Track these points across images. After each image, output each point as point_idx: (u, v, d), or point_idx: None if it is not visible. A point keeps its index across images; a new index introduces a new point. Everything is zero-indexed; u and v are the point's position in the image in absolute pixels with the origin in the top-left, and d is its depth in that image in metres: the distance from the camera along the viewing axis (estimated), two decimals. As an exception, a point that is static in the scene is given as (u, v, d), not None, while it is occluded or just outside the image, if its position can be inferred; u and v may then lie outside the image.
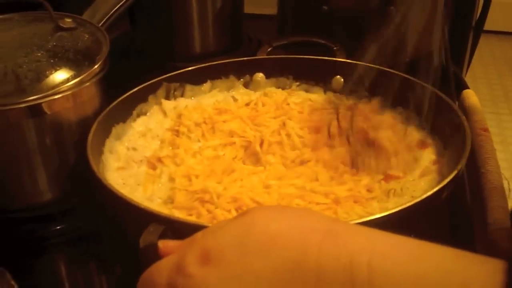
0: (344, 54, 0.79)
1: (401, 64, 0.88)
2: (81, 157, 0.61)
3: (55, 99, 0.63)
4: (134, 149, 0.69)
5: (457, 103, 0.80)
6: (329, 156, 0.64)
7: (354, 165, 0.63)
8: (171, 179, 0.63)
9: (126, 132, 0.71)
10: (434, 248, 0.35)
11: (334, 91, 0.78)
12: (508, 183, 0.68)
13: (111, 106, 0.69)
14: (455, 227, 0.67)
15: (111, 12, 0.79)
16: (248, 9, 1.06)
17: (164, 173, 0.64)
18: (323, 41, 0.78)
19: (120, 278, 0.64)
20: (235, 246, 0.36)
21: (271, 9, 1.04)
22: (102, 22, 0.77)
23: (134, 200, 0.54)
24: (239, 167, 0.64)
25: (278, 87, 0.80)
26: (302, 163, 0.64)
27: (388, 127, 0.67)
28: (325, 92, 0.79)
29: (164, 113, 0.75)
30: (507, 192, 0.65)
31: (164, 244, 0.43)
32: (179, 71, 0.77)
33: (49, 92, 0.63)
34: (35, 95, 0.62)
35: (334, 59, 0.77)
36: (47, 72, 0.64)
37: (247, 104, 0.76)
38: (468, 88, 0.84)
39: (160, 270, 0.39)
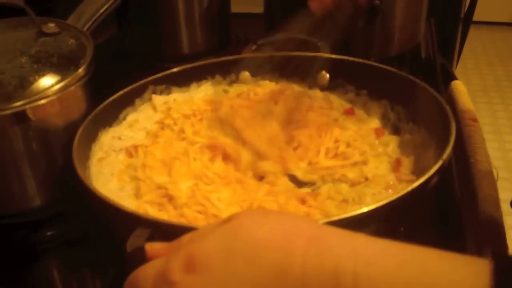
0: (328, 50, 0.79)
1: (387, 57, 0.89)
2: (69, 162, 0.61)
3: (40, 104, 0.63)
4: (119, 138, 0.70)
5: (445, 94, 0.81)
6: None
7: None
8: (135, 169, 0.65)
9: (112, 124, 0.72)
10: (419, 251, 0.35)
11: (321, 87, 0.78)
12: (497, 172, 0.68)
13: (96, 110, 0.69)
14: (444, 218, 0.67)
15: (96, 16, 0.79)
16: (236, 8, 1.06)
17: (136, 163, 0.66)
18: (307, 38, 0.78)
19: (113, 281, 0.63)
20: (220, 252, 0.36)
21: (258, 8, 1.04)
22: (87, 26, 0.77)
23: (120, 204, 0.54)
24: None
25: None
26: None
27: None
28: (310, 87, 0.79)
29: (154, 108, 0.75)
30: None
31: (151, 247, 0.43)
32: (164, 73, 0.77)
33: (34, 98, 0.63)
34: (19, 102, 0.62)
35: (319, 54, 0.77)
36: (31, 78, 0.64)
37: (239, 95, 0.77)
38: (456, 79, 0.84)
39: (145, 275, 0.39)
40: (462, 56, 1.42)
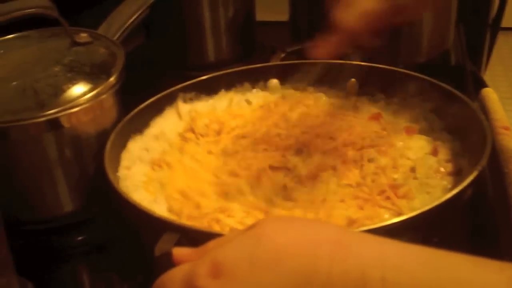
0: (358, 57, 0.79)
1: (417, 64, 0.88)
2: (100, 168, 0.62)
3: (73, 112, 0.64)
4: (146, 149, 0.70)
5: (476, 102, 0.80)
6: None
7: None
8: (162, 185, 0.65)
9: (142, 133, 0.73)
10: (450, 257, 0.34)
11: (350, 95, 0.78)
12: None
13: (127, 118, 0.70)
14: (479, 229, 0.66)
15: (126, 26, 0.80)
16: (261, 16, 1.07)
17: (159, 177, 0.66)
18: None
19: (141, 287, 0.64)
20: (245, 259, 0.36)
21: (283, 16, 1.04)
22: (117, 35, 0.78)
23: (150, 209, 0.55)
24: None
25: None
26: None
27: None
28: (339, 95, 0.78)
29: (179, 116, 0.76)
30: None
31: (178, 252, 0.43)
32: (193, 80, 0.78)
33: (67, 106, 0.64)
34: (53, 109, 0.63)
35: (348, 62, 0.77)
36: (64, 86, 0.65)
37: (262, 107, 0.77)
38: (487, 86, 0.83)
39: (172, 280, 0.39)
40: (490, 62, 1.40)
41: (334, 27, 0.60)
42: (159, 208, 0.61)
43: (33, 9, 0.68)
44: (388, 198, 0.59)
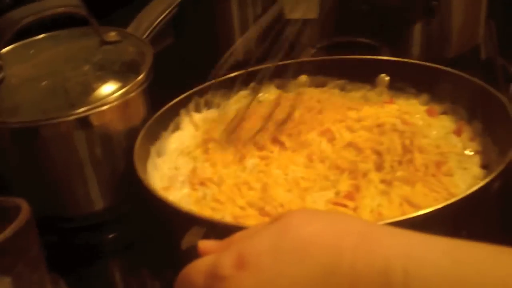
0: (388, 52, 0.78)
1: (446, 58, 0.87)
2: (130, 165, 0.63)
3: (103, 110, 0.65)
4: (176, 168, 0.68)
5: (506, 96, 0.78)
6: None
7: None
8: (216, 200, 0.62)
9: (165, 149, 0.71)
10: (472, 247, 0.34)
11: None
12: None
13: (156, 115, 0.71)
14: (508, 227, 0.64)
15: (154, 24, 0.80)
16: (288, 14, 1.07)
17: (208, 195, 0.64)
18: (366, 40, 0.77)
19: (173, 283, 0.64)
20: (270, 251, 0.36)
21: (311, 14, 1.04)
22: (146, 34, 0.78)
23: (176, 203, 0.55)
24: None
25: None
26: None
27: None
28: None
29: (196, 126, 0.75)
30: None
31: (204, 245, 0.43)
32: (222, 78, 0.78)
33: (97, 104, 0.65)
34: (83, 108, 0.64)
35: (378, 57, 0.76)
36: (94, 84, 0.66)
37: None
38: (517, 81, 0.82)
39: (197, 270, 0.39)
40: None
41: None
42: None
43: (63, 8, 0.69)
44: (434, 175, 0.60)
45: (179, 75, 1.00)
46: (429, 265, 0.33)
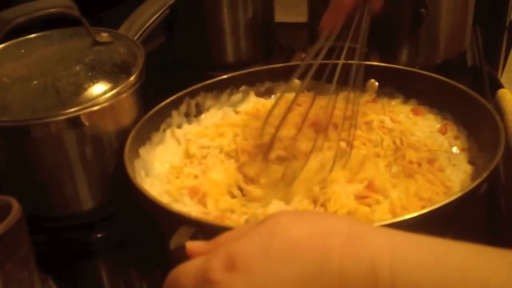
0: (377, 58, 0.79)
1: (434, 65, 0.88)
2: (120, 165, 0.63)
3: (93, 110, 0.65)
4: (168, 182, 0.68)
5: (492, 103, 0.80)
6: None
7: None
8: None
9: (152, 169, 0.70)
10: (454, 246, 0.35)
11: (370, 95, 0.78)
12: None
13: (146, 116, 0.71)
14: (494, 227, 0.66)
15: (146, 26, 0.81)
16: (279, 18, 1.08)
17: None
18: (356, 46, 0.78)
19: (160, 284, 0.65)
20: (259, 252, 0.37)
21: (302, 17, 1.05)
22: (138, 35, 0.79)
23: (165, 203, 0.55)
24: None
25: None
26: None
27: None
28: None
29: (178, 141, 0.74)
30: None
31: (192, 245, 0.43)
32: (213, 80, 0.79)
33: (88, 104, 0.65)
34: (74, 108, 0.64)
35: (368, 63, 0.77)
36: (85, 85, 0.67)
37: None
38: (503, 87, 0.83)
39: (186, 273, 0.39)
40: (507, 65, 1.40)
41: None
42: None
43: (55, 9, 0.69)
44: (429, 171, 0.62)
45: (169, 75, 1.00)
46: (414, 263, 0.34)
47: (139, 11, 0.82)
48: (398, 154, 0.66)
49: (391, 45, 0.83)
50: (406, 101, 0.76)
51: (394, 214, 0.56)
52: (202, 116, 0.78)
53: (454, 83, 0.71)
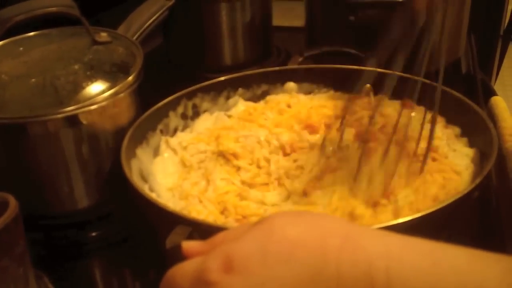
0: (374, 63, 0.79)
1: (429, 72, 0.89)
2: (116, 164, 0.63)
3: (91, 109, 0.66)
4: (174, 195, 0.67)
5: (485, 110, 0.81)
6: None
7: None
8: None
9: (156, 185, 0.68)
10: (449, 249, 0.35)
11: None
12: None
13: (143, 116, 0.71)
14: (486, 230, 0.67)
15: (145, 26, 0.82)
16: (277, 21, 1.08)
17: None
18: (353, 51, 0.79)
19: (153, 283, 0.65)
20: (257, 253, 0.37)
21: (299, 21, 1.05)
22: (136, 35, 0.80)
23: (162, 202, 0.56)
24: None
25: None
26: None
27: None
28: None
29: (174, 151, 0.74)
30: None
31: (188, 245, 0.43)
32: (210, 82, 0.79)
33: (86, 103, 0.65)
34: (72, 106, 0.65)
35: (364, 68, 0.78)
36: (84, 84, 0.67)
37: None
38: (496, 95, 0.84)
39: (182, 274, 0.39)
40: (500, 73, 1.41)
41: None
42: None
43: (55, 8, 0.70)
44: (434, 159, 0.64)
45: (167, 76, 1.01)
46: (410, 267, 0.34)
47: (138, 12, 0.83)
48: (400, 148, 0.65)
49: (387, 51, 0.83)
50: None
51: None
52: (195, 122, 0.78)
53: (448, 89, 0.72)
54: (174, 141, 0.74)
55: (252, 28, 1.00)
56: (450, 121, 0.72)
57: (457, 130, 0.71)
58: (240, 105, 0.80)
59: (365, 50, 0.80)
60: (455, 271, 0.34)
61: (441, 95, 0.72)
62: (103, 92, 0.67)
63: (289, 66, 0.83)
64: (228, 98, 0.81)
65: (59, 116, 0.64)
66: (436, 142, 0.67)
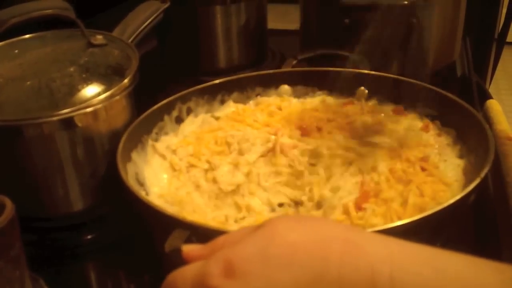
0: (368, 66, 0.80)
1: (424, 74, 0.89)
2: (112, 167, 0.63)
3: (87, 112, 0.65)
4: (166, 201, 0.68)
5: (480, 113, 0.81)
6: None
7: None
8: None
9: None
10: (452, 257, 0.35)
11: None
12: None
13: (139, 118, 0.71)
14: (481, 234, 0.67)
15: (140, 29, 0.81)
16: (272, 25, 1.09)
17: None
18: (347, 54, 0.79)
19: (149, 286, 0.65)
20: (258, 258, 0.37)
21: (294, 25, 1.06)
22: (132, 38, 0.79)
23: (159, 206, 0.56)
24: None
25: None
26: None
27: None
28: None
29: (163, 156, 0.73)
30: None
31: (188, 249, 0.43)
32: (205, 84, 0.79)
33: (81, 106, 0.65)
34: (67, 109, 0.64)
35: (358, 71, 0.78)
36: (79, 86, 0.67)
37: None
38: (491, 98, 0.84)
39: (183, 278, 0.39)
40: (495, 76, 1.41)
41: None
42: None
43: (51, 10, 0.69)
44: (424, 169, 0.64)
45: (162, 79, 1.00)
46: (412, 273, 0.34)
47: (133, 15, 0.83)
48: (394, 154, 0.66)
49: (382, 54, 0.83)
50: (382, 102, 0.78)
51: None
52: (180, 125, 0.77)
53: (444, 92, 0.72)
54: (161, 145, 0.73)
55: (247, 31, 1.00)
56: (445, 123, 0.72)
57: (450, 139, 0.70)
58: (229, 107, 0.80)
59: (359, 53, 0.80)
60: (458, 278, 0.34)
61: (437, 98, 0.73)
62: (99, 94, 0.66)
63: (283, 69, 0.83)
64: (223, 102, 0.81)
65: (55, 118, 0.64)
66: (427, 150, 0.68)
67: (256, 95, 0.82)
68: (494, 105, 0.80)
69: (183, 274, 0.40)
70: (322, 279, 0.35)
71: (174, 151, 0.72)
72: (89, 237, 0.72)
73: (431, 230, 0.54)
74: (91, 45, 0.73)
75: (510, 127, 0.75)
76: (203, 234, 0.49)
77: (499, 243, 0.64)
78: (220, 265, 0.37)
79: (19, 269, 0.51)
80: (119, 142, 0.66)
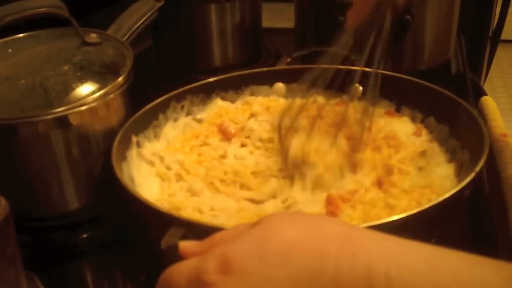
0: (362, 63, 0.80)
1: (419, 71, 0.90)
2: (107, 165, 0.63)
3: (81, 110, 0.65)
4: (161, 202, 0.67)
5: (476, 109, 0.81)
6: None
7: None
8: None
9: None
10: (450, 255, 0.35)
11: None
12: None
13: (134, 117, 0.71)
14: (477, 230, 0.67)
15: (134, 27, 0.81)
16: (267, 23, 1.09)
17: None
18: (341, 51, 0.79)
19: (145, 285, 0.65)
20: (254, 255, 0.37)
21: (289, 23, 1.06)
22: (126, 36, 0.79)
23: (155, 204, 0.56)
24: None
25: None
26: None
27: None
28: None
29: (151, 163, 0.71)
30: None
31: (184, 245, 0.43)
32: (201, 82, 0.79)
33: (75, 104, 0.65)
34: (62, 107, 0.64)
35: (353, 68, 0.78)
36: (74, 85, 0.67)
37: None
38: (486, 95, 0.85)
39: (179, 274, 0.39)
40: (490, 74, 1.42)
41: None
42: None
43: (44, 9, 0.69)
44: (421, 169, 0.64)
45: (156, 78, 1.00)
46: (409, 271, 0.34)
47: (127, 14, 0.83)
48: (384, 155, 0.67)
49: (377, 50, 0.84)
50: (375, 99, 0.77)
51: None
52: (162, 129, 0.76)
53: (438, 88, 0.72)
54: (146, 152, 0.72)
55: (242, 29, 1.00)
56: (440, 120, 0.72)
57: (441, 143, 0.70)
58: (216, 106, 0.80)
59: (354, 50, 0.80)
60: (455, 277, 0.34)
61: (431, 94, 0.73)
62: (93, 93, 0.66)
63: (278, 67, 0.83)
64: (212, 100, 0.81)
65: (49, 117, 0.64)
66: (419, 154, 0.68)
67: (250, 94, 0.82)
68: (489, 102, 0.81)
69: (180, 269, 0.40)
70: (319, 277, 0.35)
71: (162, 158, 0.71)
72: (84, 236, 0.72)
73: (426, 226, 0.54)
74: (85, 43, 0.73)
75: (504, 124, 0.76)
76: (199, 231, 0.49)
77: (495, 239, 0.64)
78: (216, 261, 0.37)
79: (14, 268, 0.51)
80: (114, 141, 0.66)
